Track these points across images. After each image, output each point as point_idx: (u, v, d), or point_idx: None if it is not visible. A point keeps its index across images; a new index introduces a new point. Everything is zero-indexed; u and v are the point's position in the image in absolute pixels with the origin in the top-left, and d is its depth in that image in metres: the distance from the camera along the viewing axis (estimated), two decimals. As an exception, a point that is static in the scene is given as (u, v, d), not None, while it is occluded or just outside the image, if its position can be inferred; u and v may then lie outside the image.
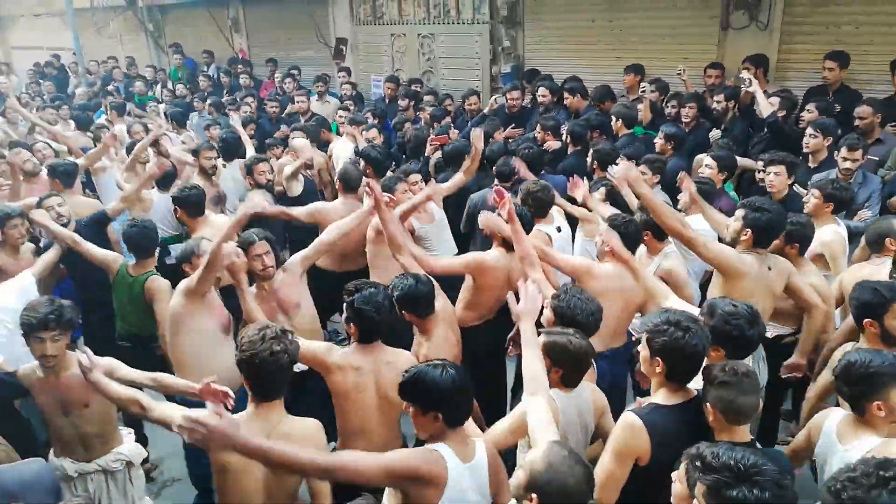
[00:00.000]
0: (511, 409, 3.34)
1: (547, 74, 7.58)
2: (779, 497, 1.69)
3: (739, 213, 3.42)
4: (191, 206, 4.51)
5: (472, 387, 2.32)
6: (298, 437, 2.45)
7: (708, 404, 2.32)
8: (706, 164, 4.72)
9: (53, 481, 2.68)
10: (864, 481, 1.71)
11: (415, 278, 3.22)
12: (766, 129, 5.40)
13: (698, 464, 1.81)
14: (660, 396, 2.44)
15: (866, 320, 2.96)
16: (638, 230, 3.68)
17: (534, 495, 1.90)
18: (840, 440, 2.47)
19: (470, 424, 2.47)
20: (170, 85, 10.84)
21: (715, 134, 5.67)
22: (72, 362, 3.00)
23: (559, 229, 4.24)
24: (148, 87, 10.75)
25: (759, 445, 2.37)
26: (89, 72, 12.33)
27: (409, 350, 3.25)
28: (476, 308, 3.88)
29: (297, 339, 2.61)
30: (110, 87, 11.11)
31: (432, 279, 3.35)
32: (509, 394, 4.20)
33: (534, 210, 4.14)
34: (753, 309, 2.69)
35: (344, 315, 2.98)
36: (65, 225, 4.40)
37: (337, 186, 5.02)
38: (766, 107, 5.26)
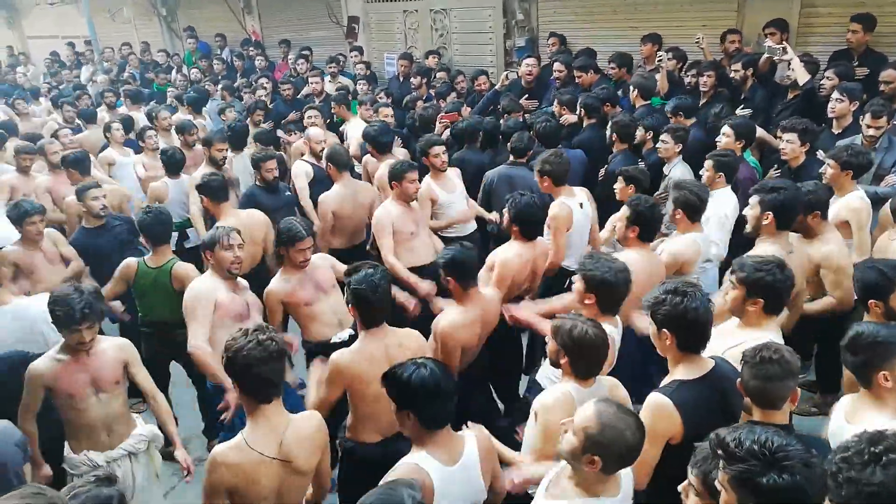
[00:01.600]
0: (525, 390, 3.38)
1: (564, 49, 7.47)
2: (808, 478, 1.65)
3: (754, 199, 3.35)
4: (213, 191, 4.50)
5: (453, 389, 2.26)
6: (306, 437, 2.43)
7: (741, 384, 2.28)
8: (723, 133, 4.64)
9: (22, 438, 2.73)
10: (857, 459, 1.68)
11: (461, 246, 3.28)
12: (789, 97, 5.30)
13: (720, 452, 1.75)
14: (680, 372, 2.42)
15: (871, 301, 2.93)
16: (657, 214, 3.56)
17: (596, 457, 1.94)
18: (848, 420, 2.43)
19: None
20: (184, 69, 10.86)
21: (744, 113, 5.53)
22: (99, 340, 3.10)
23: (581, 205, 4.21)
24: (165, 74, 10.77)
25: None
26: (105, 59, 12.39)
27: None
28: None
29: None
30: (126, 74, 11.17)
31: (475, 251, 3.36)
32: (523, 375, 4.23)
33: (554, 181, 4.14)
34: (779, 258, 2.74)
35: (345, 297, 2.96)
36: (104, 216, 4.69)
37: (329, 170, 4.96)
38: (803, 74, 5.14)
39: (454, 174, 5.02)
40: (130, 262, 4.09)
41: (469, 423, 2.46)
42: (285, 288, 3.65)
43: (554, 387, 2.54)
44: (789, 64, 5.33)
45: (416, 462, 2.17)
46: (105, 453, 3.14)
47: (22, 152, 5.88)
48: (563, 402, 2.43)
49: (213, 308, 3.46)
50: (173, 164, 5.57)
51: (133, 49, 12.49)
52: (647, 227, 3.48)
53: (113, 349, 3.17)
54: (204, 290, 3.50)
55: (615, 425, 1.94)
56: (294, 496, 2.50)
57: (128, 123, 7.09)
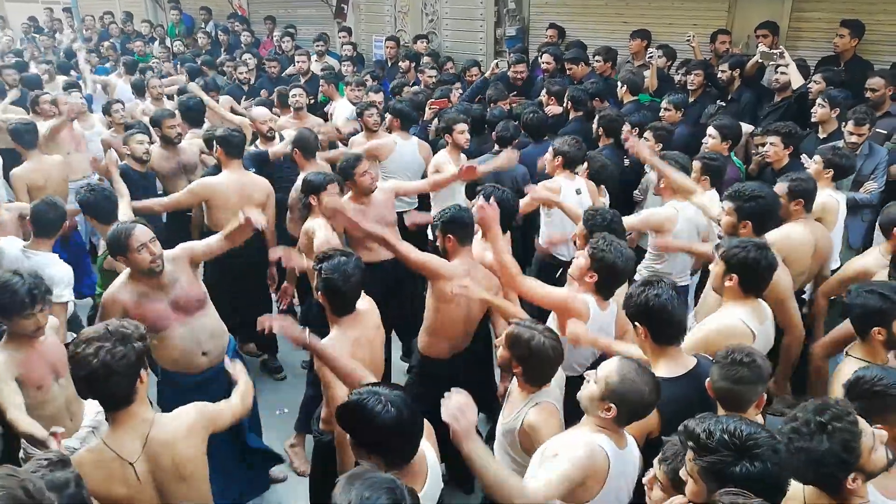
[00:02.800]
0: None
1: (551, 43, 7.43)
2: (777, 464, 1.69)
3: (728, 205, 3.27)
4: (231, 146, 4.42)
5: (420, 425, 1.99)
6: (173, 433, 2.25)
7: (709, 384, 2.29)
8: (709, 134, 4.64)
9: None
10: (805, 430, 1.82)
11: (459, 206, 3.34)
12: (777, 100, 5.34)
13: (691, 443, 1.77)
14: (661, 369, 2.42)
15: (874, 329, 2.61)
16: (612, 221, 3.42)
17: (612, 405, 2.09)
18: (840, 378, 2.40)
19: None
20: (167, 42, 10.61)
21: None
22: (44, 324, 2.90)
23: (578, 192, 4.23)
24: (146, 45, 10.53)
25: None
26: (86, 28, 12.07)
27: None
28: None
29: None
30: (107, 44, 10.88)
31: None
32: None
33: (565, 164, 4.24)
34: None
35: (314, 284, 2.88)
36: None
37: (295, 155, 4.64)
38: (798, 78, 5.17)
39: (464, 159, 4.99)
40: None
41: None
42: (327, 234, 3.71)
43: (528, 403, 2.50)
44: (777, 68, 5.36)
45: None
46: (74, 436, 2.98)
47: None
48: (543, 413, 2.46)
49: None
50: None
51: (115, 18, 12.18)
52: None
53: (49, 331, 2.99)
54: (115, 298, 3.15)
55: (634, 379, 2.08)
56: (188, 497, 2.32)
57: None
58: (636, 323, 2.50)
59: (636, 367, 2.12)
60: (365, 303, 2.94)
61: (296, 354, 4.12)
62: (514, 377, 2.58)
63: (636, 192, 5.02)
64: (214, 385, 3.28)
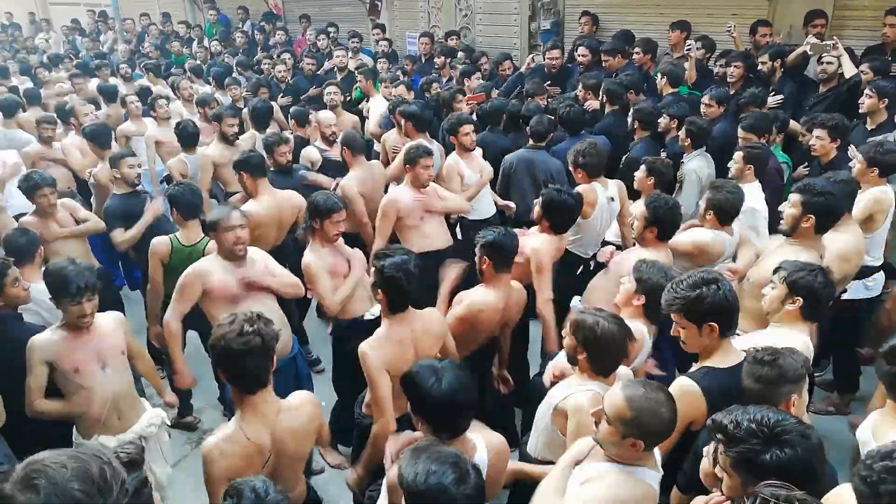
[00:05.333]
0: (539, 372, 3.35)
1: (594, 31, 7.36)
2: (808, 450, 1.66)
3: (796, 198, 3.23)
4: (251, 167, 4.34)
5: (474, 398, 2.20)
6: (298, 427, 2.38)
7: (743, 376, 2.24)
8: (740, 136, 4.50)
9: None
10: None
11: (505, 230, 3.26)
12: (822, 91, 5.23)
13: (720, 436, 1.75)
14: (716, 359, 2.42)
15: None
16: (677, 216, 3.48)
17: (638, 441, 1.93)
18: (875, 438, 2.33)
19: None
20: (205, 42, 10.82)
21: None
22: (96, 317, 3.03)
23: (612, 199, 4.19)
24: (184, 45, 10.76)
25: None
26: (126, 30, 12.37)
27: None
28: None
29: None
30: (147, 45, 11.14)
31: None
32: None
33: (588, 173, 4.13)
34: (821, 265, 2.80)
35: (371, 281, 2.91)
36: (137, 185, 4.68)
37: (345, 153, 4.84)
38: (850, 67, 5.05)
39: (478, 155, 5.00)
40: (160, 241, 3.94)
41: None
42: (324, 261, 3.61)
43: (581, 388, 2.44)
44: (820, 58, 5.22)
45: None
46: (117, 437, 3.06)
47: (43, 122, 5.88)
48: (594, 402, 2.38)
49: (200, 290, 3.39)
50: (186, 137, 5.52)
51: (152, 19, 12.45)
52: (664, 229, 3.43)
53: (112, 320, 3.14)
54: (196, 271, 3.43)
55: (648, 407, 1.93)
56: (288, 478, 2.45)
57: (145, 94, 7.02)
58: (707, 322, 2.40)
59: (643, 391, 1.97)
60: (427, 311, 3.02)
61: (328, 349, 4.16)
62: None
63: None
64: (283, 375, 3.37)
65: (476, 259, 3.25)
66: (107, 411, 3.04)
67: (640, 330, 2.82)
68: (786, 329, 2.64)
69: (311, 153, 5.49)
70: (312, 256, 3.62)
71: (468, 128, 4.84)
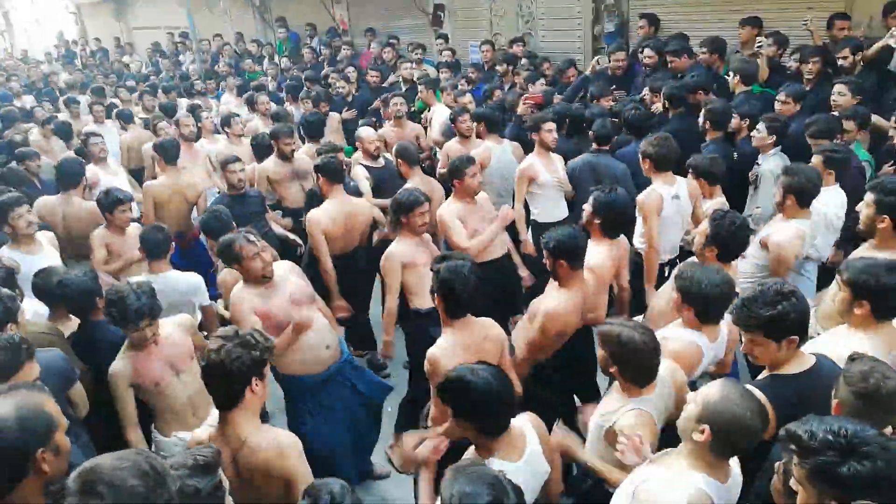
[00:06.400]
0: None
1: (654, 33, 7.21)
2: (889, 462, 1.56)
3: (871, 197, 3.09)
4: (330, 172, 4.51)
5: (512, 395, 2.26)
6: (265, 455, 2.27)
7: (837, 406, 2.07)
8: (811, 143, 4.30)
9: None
10: None
11: (570, 230, 3.22)
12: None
13: (793, 447, 1.67)
14: (784, 367, 2.32)
15: None
16: (742, 236, 3.19)
17: (706, 427, 1.93)
18: None
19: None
20: (276, 58, 11.23)
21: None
22: (161, 325, 3.15)
23: (678, 196, 4.06)
24: (256, 63, 11.21)
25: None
26: (202, 50, 12.99)
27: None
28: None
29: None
30: (220, 64, 11.66)
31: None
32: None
33: (656, 165, 4.04)
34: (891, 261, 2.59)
35: (431, 286, 2.93)
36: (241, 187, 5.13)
37: (400, 164, 4.93)
38: None
39: (559, 160, 4.96)
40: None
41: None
42: (406, 252, 3.79)
43: (624, 408, 2.41)
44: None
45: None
46: (192, 432, 3.11)
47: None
48: (640, 418, 2.37)
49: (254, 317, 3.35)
50: (262, 150, 5.78)
51: (225, 39, 13.02)
52: (727, 249, 3.16)
53: (176, 329, 3.24)
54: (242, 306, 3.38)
55: (736, 402, 1.92)
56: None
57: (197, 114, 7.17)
58: (787, 336, 2.28)
59: (741, 391, 1.97)
60: (486, 319, 3.02)
61: (399, 354, 4.21)
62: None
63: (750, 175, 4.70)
64: (338, 382, 3.48)
65: (546, 263, 3.21)
66: (184, 412, 3.21)
67: (694, 341, 2.72)
68: (860, 333, 2.49)
69: (358, 173, 5.40)
70: (397, 247, 3.83)
71: (551, 125, 4.82)
